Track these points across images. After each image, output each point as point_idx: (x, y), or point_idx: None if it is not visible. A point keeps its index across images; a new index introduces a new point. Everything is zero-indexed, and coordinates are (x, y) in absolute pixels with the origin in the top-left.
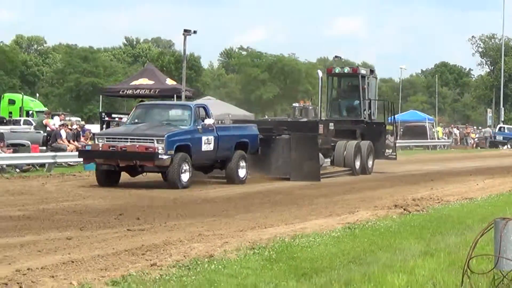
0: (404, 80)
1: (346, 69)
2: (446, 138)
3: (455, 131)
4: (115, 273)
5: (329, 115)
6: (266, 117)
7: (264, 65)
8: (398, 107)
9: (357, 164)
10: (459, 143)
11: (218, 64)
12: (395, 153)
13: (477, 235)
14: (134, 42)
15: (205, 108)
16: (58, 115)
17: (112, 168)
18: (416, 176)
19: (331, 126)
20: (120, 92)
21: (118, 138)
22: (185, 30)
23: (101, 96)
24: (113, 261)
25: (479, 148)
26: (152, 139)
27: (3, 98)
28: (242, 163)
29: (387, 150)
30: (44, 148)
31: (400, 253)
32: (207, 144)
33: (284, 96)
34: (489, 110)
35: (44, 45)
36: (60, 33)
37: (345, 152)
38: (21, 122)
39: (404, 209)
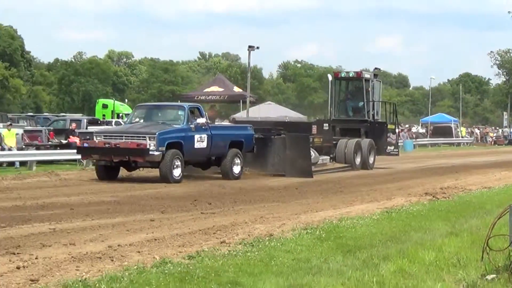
0: (433, 88)
1: (351, 73)
2: (469, 136)
3: (476, 130)
4: (190, 249)
5: (337, 115)
6: (318, 118)
7: (315, 75)
8: (428, 110)
9: (357, 160)
10: (479, 141)
11: (277, 74)
12: (397, 150)
13: (495, 218)
14: (207, 56)
15: (199, 108)
16: None
17: (108, 163)
18: (443, 169)
19: (326, 126)
20: (195, 98)
21: (114, 136)
22: (249, 46)
23: (179, 102)
24: (189, 239)
25: (496, 145)
26: (145, 137)
27: (97, 103)
28: (237, 160)
29: (388, 147)
30: None
31: (429, 233)
32: (200, 141)
33: None
34: (505, 113)
35: (132, 58)
36: (145, 49)
37: (345, 150)
38: (113, 123)
39: (433, 196)
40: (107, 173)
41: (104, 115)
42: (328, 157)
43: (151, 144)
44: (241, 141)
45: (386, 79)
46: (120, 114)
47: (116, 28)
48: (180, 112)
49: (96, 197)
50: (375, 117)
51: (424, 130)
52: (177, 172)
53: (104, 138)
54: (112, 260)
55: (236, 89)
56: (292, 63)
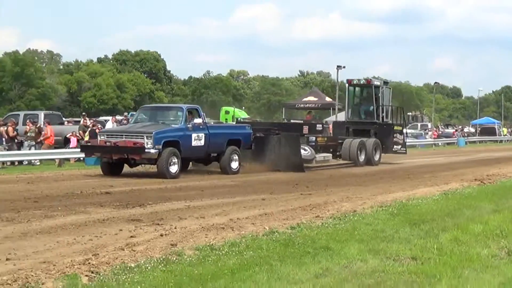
0: (481, 97)
1: (362, 81)
2: (509, 135)
3: None
4: (292, 222)
5: (351, 117)
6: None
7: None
8: (477, 115)
9: (361, 158)
10: None
11: None
12: (404, 149)
13: None
14: (305, 74)
15: (197, 109)
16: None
17: (109, 160)
18: (489, 160)
19: (319, 127)
20: (296, 106)
21: (115, 135)
22: (337, 66)
23: (283, 109)
24: (291, 214)
25: None
26: (143, 136)
27: (221, 110)
28: (235, 157)
29: (395, 146)
30: None
31: (478, 211)
32: (198, 140)
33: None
34: None
35: (248, 75)
36: (258, 68)
37: (350, 148)
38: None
39: (481, 182)
40: (110, 169)
41: (226, 119)
42: (330, 155)
43: (148, 143)
44: (239, 139)
45: (444, 91)
46: (238, 118)
47: (236, 52)
48: (178, 113)
49: (221, 182)
50: (384, 120)
51: (473, 130)
52: (174, 169)
53: (106, 137)
54: (233, 230)
55: (328, 98)
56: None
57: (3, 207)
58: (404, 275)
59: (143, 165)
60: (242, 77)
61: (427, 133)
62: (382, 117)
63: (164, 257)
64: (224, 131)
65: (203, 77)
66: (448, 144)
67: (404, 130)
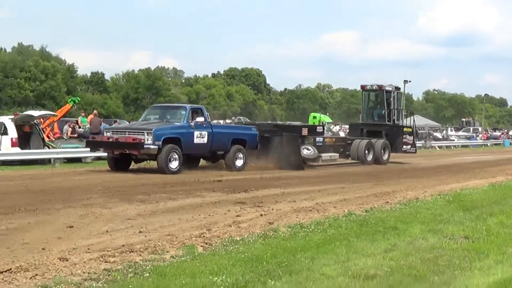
0: None
1: (375, 86)
2: None
3: None
4: (366, 206)
5: (365, 120)
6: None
7: (446, 98)
8: None
9: (369, 157)
10: None
11: (421, 98)
12: (414, 148)
13: None
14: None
15: (201, 109)
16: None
17: (114, 156)
18: None
19: (319, 129)
20: None
21: (119, 131)
22: (404, 81)
23: (359, 114)
24: (365, 200)
25: None
26: (143, 132)
27: (310, 115)
28: (240, 155)
29: (404, 146)
30: None
31: None
32: (200, 137)
33: (456, 115)
34: None
35: (331, 88)
36: (340, 81)
37: (358, 148)
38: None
39: None
40: (116, 164)
41: (314, 123)
42: (337, 154)
43: (148, 139)
44: (244, 139)
45: (492, 101)
46: (324, 122)
47: (323, 69)
48: (182, 112)
49: (307, 174)
50: (395, 122)
51: None
52: (174, 164)
53: (111, 134)
54: (318, 212)
55: None
56: (431, 90)
57: (137, 191)
58: (458, 251)
59: (148, 161)
60: (327, 89)
61: (478, 135)
62: (393, 120)
63: (263, 232)
64: (228, 131)
65: (295, 89)
66: (495, 144)
67: (414, 132)
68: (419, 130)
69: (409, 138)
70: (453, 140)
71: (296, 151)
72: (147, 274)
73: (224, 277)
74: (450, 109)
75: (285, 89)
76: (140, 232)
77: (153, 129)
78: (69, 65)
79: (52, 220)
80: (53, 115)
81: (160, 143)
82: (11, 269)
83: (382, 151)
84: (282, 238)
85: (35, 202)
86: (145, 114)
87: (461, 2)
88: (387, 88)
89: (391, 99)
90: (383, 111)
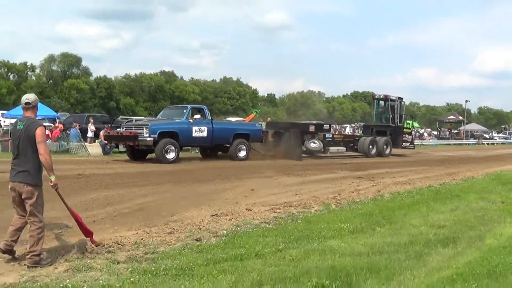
0: None
1: (382, 96)
2: None
3: None
4: (440, 181)
5: (375, 122)
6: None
7: (492, 112)
8: None
9: (373, 151)
10: None
11: (476, 111)
12: (412, 145)
13: None
14: (450, 104)
15: (203, 109)
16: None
17: (125, 146)
18: None
19: (326, 126)
20: (444, 120)
21: (128, 127)
22: (466, 100)
23: (437, 122)
24: (440, 177)
25: None
26: (142, 127)
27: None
28: (242, 147)
29: (404, 143)
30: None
31: None
32: (199, 132)
33: (498, 123)
34: None
35: (419, 104)
36: (426, 101)
37: (363, 144)
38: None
39: None
40: (133, 155)
41: (407, 127)
42: (344, 148)
43: (146, 133)
44: (247, 133)
45: None
46: (413, 127)
47: (414, 93)
48: (184, 111)
49: (401, 160)
50: (398, 124)
51: None
52: (170, 155)
53: (124, 129)
54: (409, 184)
55: (460, 117)
56: (483, 107)
57: (295, 169)
58: (497, 211)
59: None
60: (416, 105)
61: None
62: (396, 122)
63: (373, 197)
64: (228, 126)
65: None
66: None
67: (412, 132)
68: (474, 133)
69: (408, 137)
70: (496, 139)
71: (298, 144)
72: (300, 221)
73: (348, 224)
74: (495, 119)
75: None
76: (295, 194)
77: (149, 124)
78: (253, 89)
79: (241, 185)
80: (242, 120)
81: (156, 136)
82: (217, 214)
83: (385, 146)
84: (385, 200)
85: (232, 173)
86: (161, 113)
87: (501, 49)
88: (391, 97)
89: (395, 106)
90: (388, 115)
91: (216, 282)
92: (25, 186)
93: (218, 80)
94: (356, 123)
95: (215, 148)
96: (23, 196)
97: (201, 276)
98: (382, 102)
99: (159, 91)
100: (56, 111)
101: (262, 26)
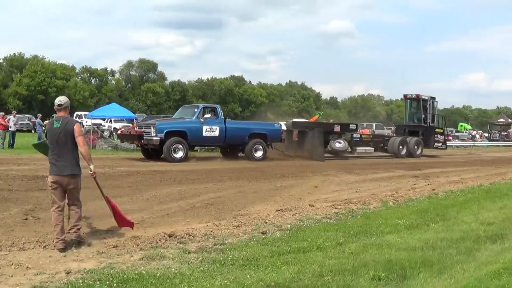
0: None
1: (414, 95)
2: None
3: None
4: (490, 181)
5: (408, 122)
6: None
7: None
8: None
9: (403, 152)
10: None
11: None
12: (444, 145)
13: None
14: (499, 107)
15: (216, 108)
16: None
17: (138, 145)
18: None
19: (352, 126)
20: (494, 123)
21: (139, 126)
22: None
23: (488, 124)
24: (490, 177)
25: None
26: (149, 126)
27: (459, 124)
28: (259, 147)
29: (436, 144)
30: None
31: None
32: (210, 131)
33: None
34: None
35: (471, 108)
36: (478, 104)
37: (393, 144)
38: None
39: None
40: (147, 154)
41: (459, 129)
42: (372, 148)
43: (152, 132)
44: (264, 133)
45: None
46: (466, 129)
47: (466, 96)
48: (195, 110)
49: (454, 159)
50: (430, 124)
51: None
52: (178, 154)
53: (138, 128)
54: (462, 183)
55: (510, 120)
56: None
57: (354, 168)
58: None
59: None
60: (468, 108)
61: None
62: (428, 122)
63: (428, 195)
64: (243, 126)
65: (450, 108)
66: None
67: (445, 132)
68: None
69: (440, 137)
70: None
71: (320, 143)
72: (359, 216)
73: (404, 220)
74: None
75: (444, 108)
76: (356, 191)
77: (156, 124)
78: (317, 92)
79: (306, 182)
80: (308, 122)
81: (163, 135)
82: (282, 209)
83: (416, 147)
84: (440, 198)
85: (296, 172)
86: (177, 112)
87: None
88: (423, 97)
89: (427, 106)
90: (420, 115)
91: (279, 272)
92: (73, 177)
93: (284, 84)
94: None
95: (234, 148)
96: (70, 186)
97: (266, 267)
98: (413, 102)
99: (229, 94)
100: (134, 113)
101: (324, 33)
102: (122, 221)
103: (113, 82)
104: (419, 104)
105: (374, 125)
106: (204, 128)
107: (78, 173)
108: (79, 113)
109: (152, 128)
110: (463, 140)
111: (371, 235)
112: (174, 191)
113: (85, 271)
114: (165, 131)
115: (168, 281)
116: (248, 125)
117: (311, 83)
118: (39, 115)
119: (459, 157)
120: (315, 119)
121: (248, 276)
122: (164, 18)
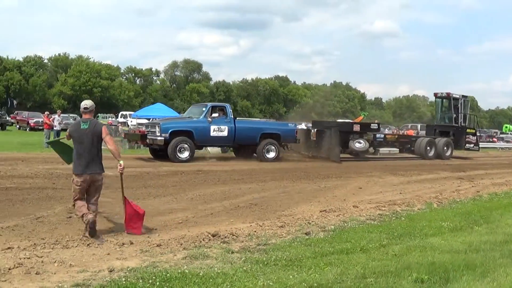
0: None
1: (444, 94)
2: None
3: None
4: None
5: (438, 122)
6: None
7: None
8: None
9: (431, 153)
10: None
11: None
12: (477, 147)
13: None
14: None
15: (225, 107)
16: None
17: (145, 145)
18: None
19: (374, 126)
20: None
21: (144, 125)
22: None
23: None
24: None
25: None
26: (155, 126)
27: (503, 125)
28: (271, 148)
29: (467, 145)
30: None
31: None
32: (218, 131)
33: None
34: None
35: None
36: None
37: (420, 145)
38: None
39: None
40: (155, 154)
41: (505, 131)
42: (397, 149)
43: (157, 131)
44: (277, 133)
45: None
46: (509, 132)
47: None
48: (203, 109)
49: (493, 161)
50: (462, 124)
51: None
52: (183, 154)
53: (144, 128)
54: (506, 186)
55: None
56: None
57: (399, 169)
58: None
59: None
60: None
61: None
62: (460, 122)
63: (472, 197)
64: (254, 126)
65: (495, 109)
66: None
67: (477, 133)
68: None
69: (472, 138)
70: None
71: (336, 144)
72: (403, 218)
73: (448, 222)
74: None
75: (489, 109)
76: (400, 193)
77: (161, 123)
78: (361, 93)
79: (350, 183)
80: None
81: (167, 135)
82: (326, 210)
83: (445, 148)
84: (484, 201)
85: (340, 173)
86: (186, 111)
87: None
88: (454, 95)
89: (458, 105)
90: (452, 115)
91: (322, 273)
92: (99, 175)
93: (328, 84)
94: None
95: (247, 148)
96: (95, 183)
97: (309, 267)
98: (444, 101)
99: (274, 94)
100: (179, 113)
101: (368, 33)
102: (131, 227)
103: (158, 82)
104: (450, 103)
105: (419, 126)
106: (212, 127)
107: (102, 171)
108: (124, 112)
109: (157, 127)
110: (508, 141)
111: (415, 237)
112: (218, 191)
113: (128, 269)
114: (170, 131)
115: (211, 280)
116: (260, 125)
117: (356, 84)
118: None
119: (504, 158)
120: (360, 120)
121: (290, 276)
122: (209, 19)
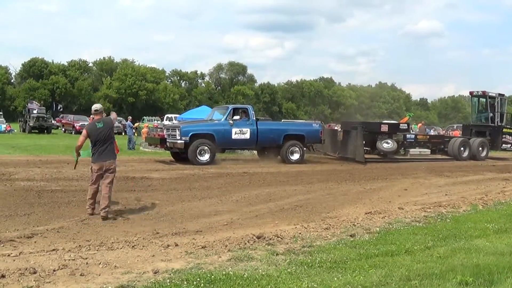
0: None
1: (480, 92)
2: None
3: None
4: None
5: (474, 121)
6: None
7: None
8: None
9: (465, 154)
10: None
11: None
12: None
13: None
14: None
15: (247, 109)
16: None
17: (166, 149)
18: None
19: (403, 126)
20: None
21: (165, 129)
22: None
23: None
24: None
25: None
26: (175, 129)
27: None
28: (295, 149)
29: (504, 145)
30: None
31: None
32: (240, 134)
33: None
34: None
35: None
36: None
37: (453, 146)
38: None
39: None
40: (176, 156)
41: None
42: (428, 150)
43: (177, 135)
44: (301, 134)
45: None
46: None
47: None
48: (225, 111)
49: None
50: (498, 124)
51: None
52: (204, 157)
53: (165, 131)
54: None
55: None
56: None
57: (443, 170)
58: None
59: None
60: None
61: None
62: (497, 122)
63: None
64: (277, 127)
65: None
66: None
67: None
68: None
69: (509, 138)
70: None
71: (361, 144)
72: (448, 220)
73: (493, 224)
74: None
75: None
76: (445, 194)
77: (181, 126)
78: (407, 93)
79: (395, 185)
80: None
81: (187, 138)
82: (371, 212)
83: (480, 148)
84: None
85: (386, 174)
86: (208, 114)
87: None
88: (490, 94)
89: (495, 104)
90: (488, 114)
91: (367, 275)
92: (114, 162)
93: (373, 85)
94: None
95: (271, 150)
96: (110, 169)
97: (353, 270)
98: (480, 100)
99: (318, 96)
100: None
101: (413, 33)
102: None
103: (203, 85)
104: (486, 102)
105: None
106: (234, 130)
107: (115, 158)
108: (169, 115)
109: (177, 130)
110: None
111: (460, 239)
112: (263, 193)
113: (172, 271)
114: (190, 134)
115: (255, 282)
116: (283, 126)
117: (401, 84)
118: (130, 117)
119: None
120: (405, 121)
121: (335, 278)
122: (253, 21)
